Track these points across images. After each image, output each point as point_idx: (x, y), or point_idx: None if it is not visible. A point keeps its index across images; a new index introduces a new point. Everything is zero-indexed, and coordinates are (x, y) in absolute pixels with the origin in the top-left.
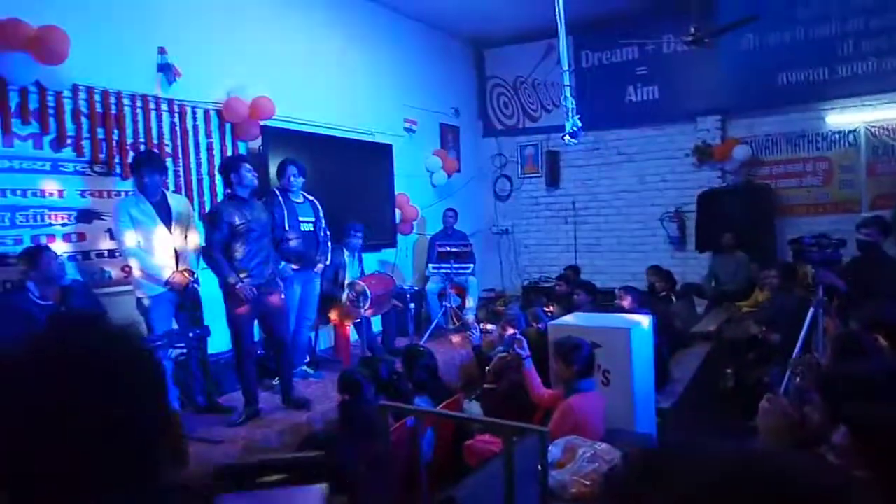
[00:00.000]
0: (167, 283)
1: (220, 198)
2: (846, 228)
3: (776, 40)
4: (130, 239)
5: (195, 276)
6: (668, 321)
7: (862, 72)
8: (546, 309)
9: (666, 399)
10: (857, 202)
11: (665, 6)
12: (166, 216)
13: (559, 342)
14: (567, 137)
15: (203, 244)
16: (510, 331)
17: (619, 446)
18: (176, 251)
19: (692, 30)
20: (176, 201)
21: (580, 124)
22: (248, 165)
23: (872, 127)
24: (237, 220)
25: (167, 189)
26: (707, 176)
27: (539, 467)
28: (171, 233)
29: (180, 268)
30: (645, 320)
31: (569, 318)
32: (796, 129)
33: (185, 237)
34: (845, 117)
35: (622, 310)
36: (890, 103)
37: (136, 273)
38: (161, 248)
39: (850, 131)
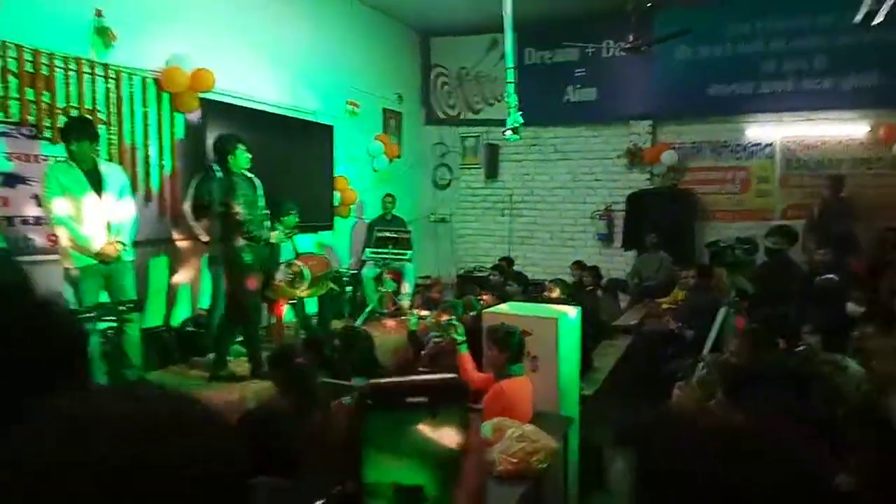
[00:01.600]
0: (97, 254)
1: (160, 169)
2: (760, 234)
3: (707, 53)
4: (59, 207)
5: (126, 247)
6: (594, 313)
7: (781, 90)
8: (480, 298)
9: (589, 386)
10: (771, 211)
11: (607, 13)
12: (98, 185)
13: (493, 329)
14: (508, 133)
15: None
16: (445, 317)
17: (544, 428)
18: (108, 222)
19: (631, 37)
20: (109, 170)
21: (522, 121)
22: (242, 146)
23: (788, 141)
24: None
25: (98, 157)
26: (636, 178)
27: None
28: (101, 202)
29: (111, 238)
30: (572, 311)
31: (502, 307)
32: (720, 139)
33: (118, 207)
34: (764, 131)
35: (551, 301)
36: (805, 121)
37: (65, 243)
38: (91, 218)
39: (767, 144)
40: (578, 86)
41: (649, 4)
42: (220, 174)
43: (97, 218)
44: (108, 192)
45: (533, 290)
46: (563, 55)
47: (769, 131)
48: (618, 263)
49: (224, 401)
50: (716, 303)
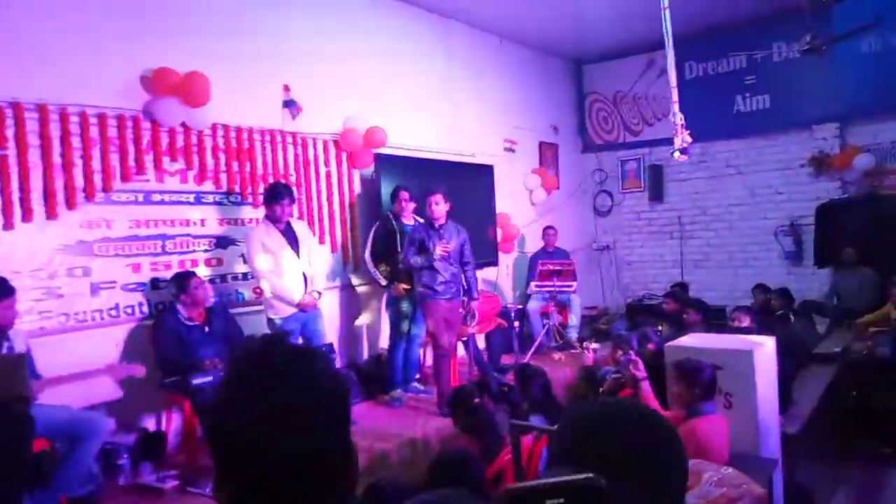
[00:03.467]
0: (298, 304)
1: (337, 222)
2: None
3: None
4: (263, 263)
5: (321, 296)
6: (790, 342)
7: None
8: (657, 329)
9: (790, 423)
10: None
11: (774, 14)
12: (293, 241)
13: (679, 364)
14: (677, 154)
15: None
16: (620, 351)
17: (744, 471)
18: (304, 274)
19: (808, 38)
20: (299, 227)
21: (690, 140)
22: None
23: None
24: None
25: (292, 216)
26: (825, 187)
27: None
28: (298, 257)
29: (308, 289)
30: (768, 342)
31: (686, 340)
32: None
33: (310, 261)
34: None
35: (737, 330)
36: None
37: (268, 295)
38: (290, 272)
39: None
40: (748, 94)
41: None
42: (394, 222)
43: (295, 271)
44: (302, 247)
45: (713, 318)
46: (728, 64)
47: None
48: (810, 283)
49: (409, 438)
50: None
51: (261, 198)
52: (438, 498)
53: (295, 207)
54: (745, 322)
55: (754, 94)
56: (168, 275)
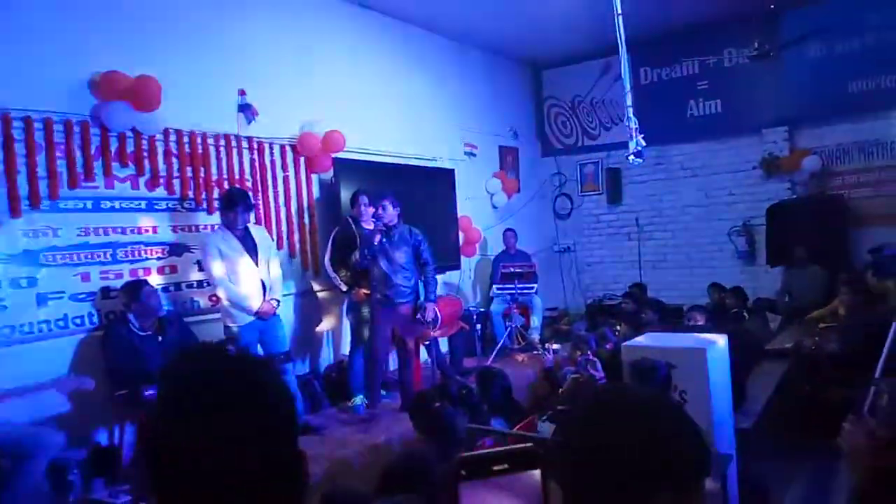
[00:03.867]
0: (256, 312)
1: (296, 227)
2: None
3: (845, 48)
4: (219, 270)
5: (280, 303)
6: (744, 339)
7: None
8: (615, 329)
9: (745, 419)
10: None
11: (725, 21)
12: (251, 248)
13: (635, 363)
14: (632, 157)
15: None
16: (579, 352)
17: None
18: (262, 281)
19: (756, 44)
20: (258, 233)
21: (644, 144)
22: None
23: None
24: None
25: (249, 223)
26: (775, 188)
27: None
28: (256, 264)
29: (268, 297)
30: (721, 339)
31: (642, 339)
32: (869, 138)
33: (269, 267)
34: None
35: (693, 328)
36: None
37: (225, 303)
38: (248, 279)
39: None
40: (701, 99)
41: (772, 7)
42: (353, 227)
43: (253, 278)
44: (260, 253)
45: (670, 317)
46: (681, 70)
47: None
48: (763, 282)
49: (371, 444)
50: (884, 319)
51: (216, 203)
52: None
53: (252, 213)
54: (700, 320)
55: (707, 99)
56: (119, 284)
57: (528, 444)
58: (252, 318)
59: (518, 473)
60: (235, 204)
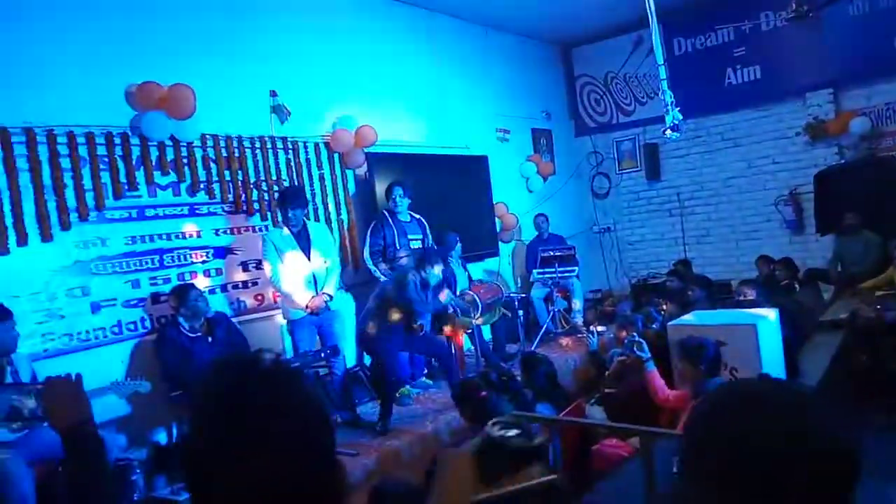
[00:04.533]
0: (306, 307)
1: (334, 224)
2: None
3: (889, 2)
4: (269, 267)
5: (332, 298)
6: (795, 312)
7: None
8: (660, 308)
9: None
10: None
11: None
12: (305, 244)
13: (682, 342)
14: (668, 132)
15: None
16: (625, 332)
17: None
18: (314, 276)
19: (793, 5)
20: (315, 229)
21: (681, 117)
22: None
23: None
24: None
25: (308, 219)
26: (822, 154)
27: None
28: (309, 260)
29: (319, 292)
30: (771, 313)
31: (689, 317)
32: None
33: (324, 263)
34: None
35: (743, 303)
36: None
37: (280, 299)
38: (296, 274)
39: None
40: (739, 66)
41: None
42: (390, 219)
43: (301, 273)
44: (316, 249)
45: (718, 293)
46: (716, 37)
47: None
48: (813, 251)
49: (420, 434)
50: None
51: (255, 205)
52: None
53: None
54: (750, 295)
55: (745, 66)
56: (168, 289)
57: (554, 477)
58: (304, 313)
59: None
60: (289, 201)
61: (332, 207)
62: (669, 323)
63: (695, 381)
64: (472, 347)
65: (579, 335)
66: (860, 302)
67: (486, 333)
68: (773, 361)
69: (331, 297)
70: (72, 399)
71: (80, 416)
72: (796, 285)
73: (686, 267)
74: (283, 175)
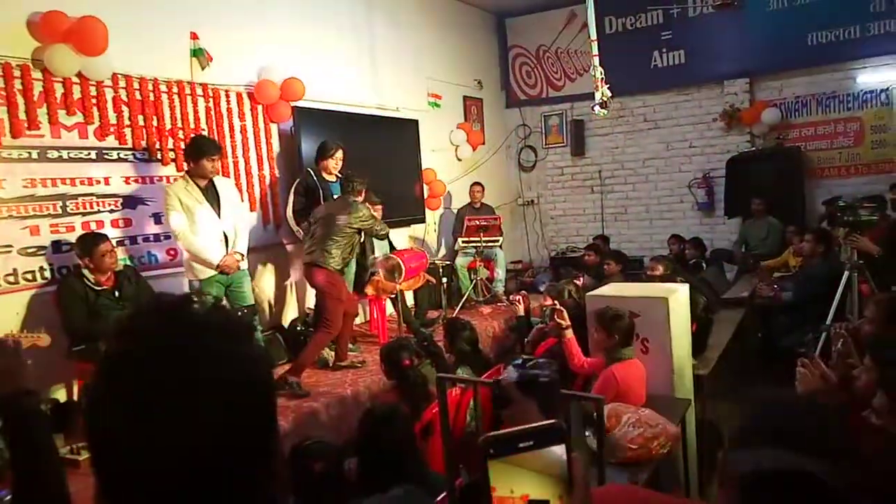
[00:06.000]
0: (218, 266)
1: (255, 179)
2: (881, 189)
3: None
4: (178, 221)
5: (244, 258)
6: (702, 289)
7: (895, 29)
8: (577, 280)
9: (703, 365)
10: (891, 162)
11: None
12: (214, 200)
13: (599, 312)
14: (597, 108)
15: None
16: (548, 301)
17: (660, 411)
18: (225, 234)
19: None
20: (223, 185)
21: (610, 94)
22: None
23: None
24: None
25: (215, 174)
26: (735, 140)
27: (588, 433)
28: (219, 217)
29: (230, 250)
30: (682, 289)
31: (606, 289)
32: (826, 90)
33: (233, 220)
34: (877, 76)
35: (653, 278)
36: None
37: (187, 256)
38: (208, 231)
39: (881, 90)
40: (665, 50)
41: None
42: (315, 178)
43: (216, 231)
44: (224, 206)
45: (631, 268)
46: (646, 19)
47: (882, 76)
48: (721, 233)
49: (339, 395)
50: (836, 268)
51: (170, 154)
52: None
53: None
54: (660, 271)
55: (671, 50)
56: (72, 237)
57: (554, 421)
58: (214, 272)
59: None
60: (204, 152)
61: (253, 162)
62: (588, 294)
63: (608, 350)
64: (394, 312)
65: (499, 304)
66: (760, 282)
67: (409, 299)
68: (681, 333)
69: (243, 255)
70: (8, 368)
71: (16, 388)
72: (704, 264)
73: (604, 242)
74: (203, 124)
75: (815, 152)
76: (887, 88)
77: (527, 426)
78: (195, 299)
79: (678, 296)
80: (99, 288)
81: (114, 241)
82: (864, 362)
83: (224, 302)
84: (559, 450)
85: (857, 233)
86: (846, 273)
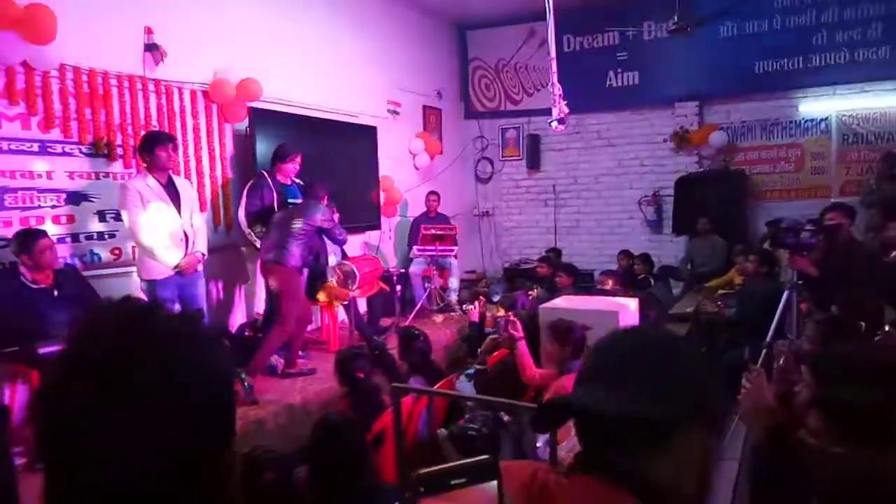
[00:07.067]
0: (177, 266)
1: (206, 180)
2: (816, 213)
3: (754, 28)
4: (137, 218)
5: (205, 257)
6: (651, 303)
7: (835, 62)
8: (529, 292)
9: None
10: (828, 188)
11: None
12: (174, 197)
13: (553, 324)
14: (554, 123)
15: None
16: (501, 312)
17: None
18: (185, 233)
19: (675, 18)
20: (182, 183)
21: (567, 111)
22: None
23: (843, 115)
24: None
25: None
26: (684, 161)
27: (538, 444)
28: (180, 215)
29: (191, 250)
30: (632, 303)
31: (559, 301)
32: (770, 117)
33: (192, 220)
34: (818, 106)
35: (604, 292)
36: (861, 93)
37: (142, 254)
38: (169, 230)
39: (822, 119)
40: (620, 70)
41: None
42: (269, 181)
43: (174, 230)
44: (183, 204)
45: (583, 281)
46: (603, 40)
47: (823, 105)
48: (669, 250)
49: (287, 403)
50: (776, 287)
51: (119, 150)
52: None
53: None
54: (610, 285)
55: (625, 70)
56: (9, 233)
57: (486, 457)
58: (170, 273)
59: (476, 486)
60: (162, 143)
61: (205, 162)
62: (541, 305)
63: (560, 361)
64: (346, 319)
65: (452, 313)
66: (704, 298)
67: (362, 306)
68: None
69: (204, 255)
70: None
71: None
72: (651, 279)
73: (557, 255)
74: (154, 121)
75: (758, 175)
76: (827, 118)
77: (459, 462)
78: (159, 305)
79: (628, 310)
80: (36, 287)
81: (54, 239)
82: (804, 378)
83: (176, 305)
84: (492, 486)
85: (800, 254)
86: (786, 293)
